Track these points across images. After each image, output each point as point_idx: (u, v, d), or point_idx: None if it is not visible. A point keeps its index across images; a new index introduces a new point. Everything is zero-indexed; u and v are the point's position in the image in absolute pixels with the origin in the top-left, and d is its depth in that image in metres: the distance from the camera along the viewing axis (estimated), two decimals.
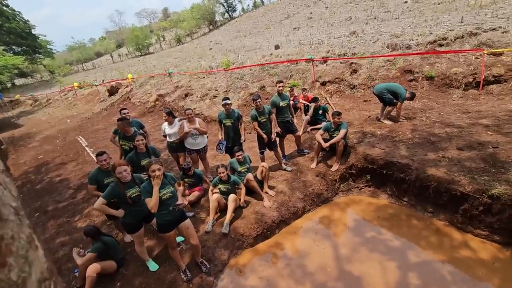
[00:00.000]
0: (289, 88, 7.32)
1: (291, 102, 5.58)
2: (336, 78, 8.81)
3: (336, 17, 21.63)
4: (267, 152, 5.38)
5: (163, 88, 14.09)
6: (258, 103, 4.81)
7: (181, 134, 4.77)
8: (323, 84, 8.99)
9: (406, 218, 4.20)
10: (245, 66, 11.89)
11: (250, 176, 4.44)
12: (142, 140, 4.06)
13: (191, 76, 13.75)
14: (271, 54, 13.49)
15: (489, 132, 4.64)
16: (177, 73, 14.98)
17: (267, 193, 4.63)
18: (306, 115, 6.36)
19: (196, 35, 49.19)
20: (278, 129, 5.11)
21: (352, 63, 9.13)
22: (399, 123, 5.60)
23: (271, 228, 4.20)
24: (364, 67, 8.85)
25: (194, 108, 10.09)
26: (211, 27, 48.70)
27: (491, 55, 6.73)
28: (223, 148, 4.99)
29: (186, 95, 11.92)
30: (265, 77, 10.78)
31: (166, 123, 4.97)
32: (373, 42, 10.81)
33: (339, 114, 4.84)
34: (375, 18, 17.63)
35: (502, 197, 3.39)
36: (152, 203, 2.87)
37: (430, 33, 10.41)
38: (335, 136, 4.87)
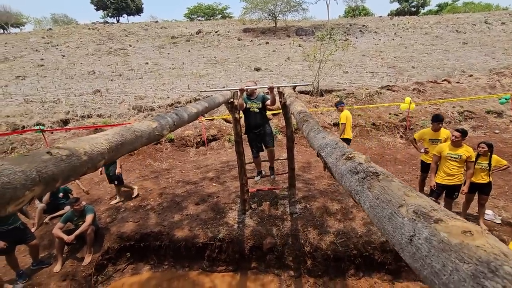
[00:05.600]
0: None
1: None
2: None
3: (77, 68, 19.98)
4: None
5: None
6: None
7: None
8: None
9: (168, 282, 4.52)
10: None
11: None
12: None
13: None
14: None
15: (213, 184, 6.20)
16: None
17: None
18: (40, 202, 5.13)
19: None
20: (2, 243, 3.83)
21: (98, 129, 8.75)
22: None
23: None
24: None
25: None
26: None
27: (208, 120, 9.18)
28: None
29: None
30: None
31: None
32: (119, 103, 11.08)
33: (76, 200, 4.35)
34: (121, 76, 18.29)
35: (226, 238, 4.61)
36: None
37: (168, 97, 12.44)
38: (81, 225, 4.32)
